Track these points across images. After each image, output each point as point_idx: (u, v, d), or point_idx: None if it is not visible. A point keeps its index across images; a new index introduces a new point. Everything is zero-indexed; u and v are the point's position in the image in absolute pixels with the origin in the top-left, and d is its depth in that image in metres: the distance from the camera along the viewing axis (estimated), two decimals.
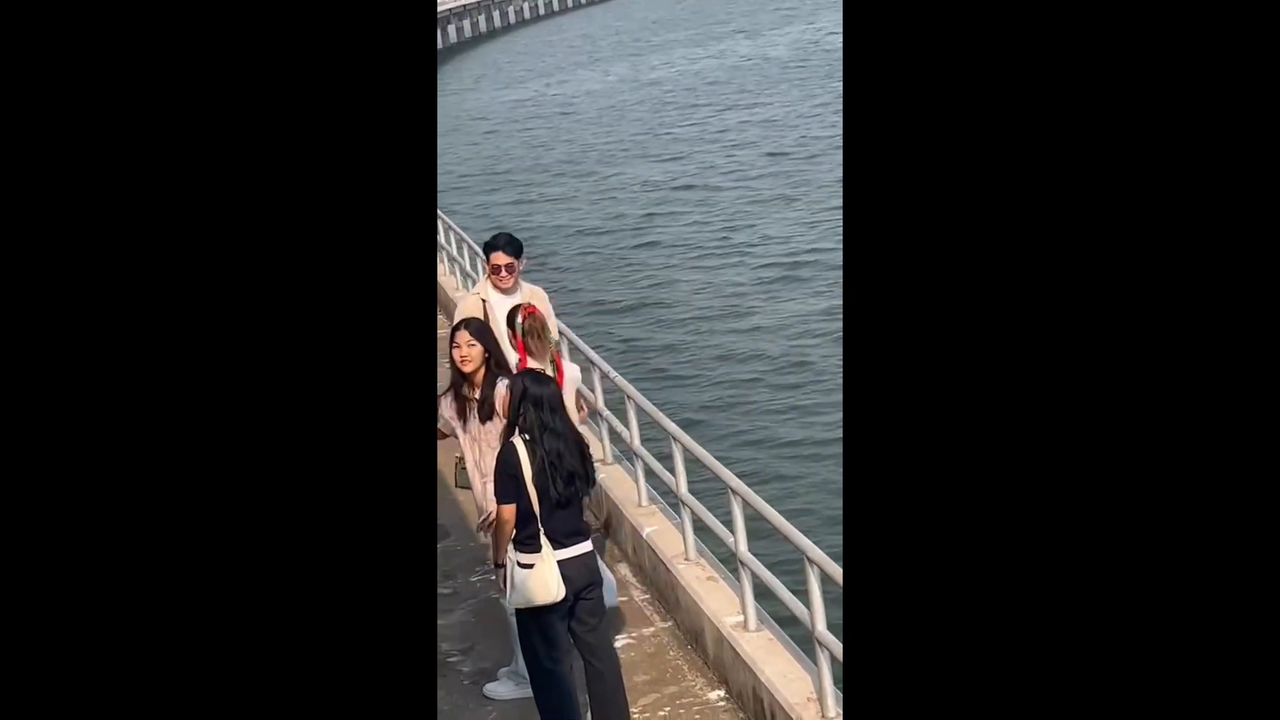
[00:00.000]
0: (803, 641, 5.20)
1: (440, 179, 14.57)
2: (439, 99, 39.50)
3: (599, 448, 7.37)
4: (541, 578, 4.86)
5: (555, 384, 5.17)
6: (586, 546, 5.01)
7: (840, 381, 11.69)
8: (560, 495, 4.85)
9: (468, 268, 11.56)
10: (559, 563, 4.87)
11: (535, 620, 4.97)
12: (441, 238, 12.84)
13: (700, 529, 6.17)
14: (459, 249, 12.02)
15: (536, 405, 4.89)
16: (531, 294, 6.38)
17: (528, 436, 4.87)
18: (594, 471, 5.11)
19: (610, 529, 7.10)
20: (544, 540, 4.86)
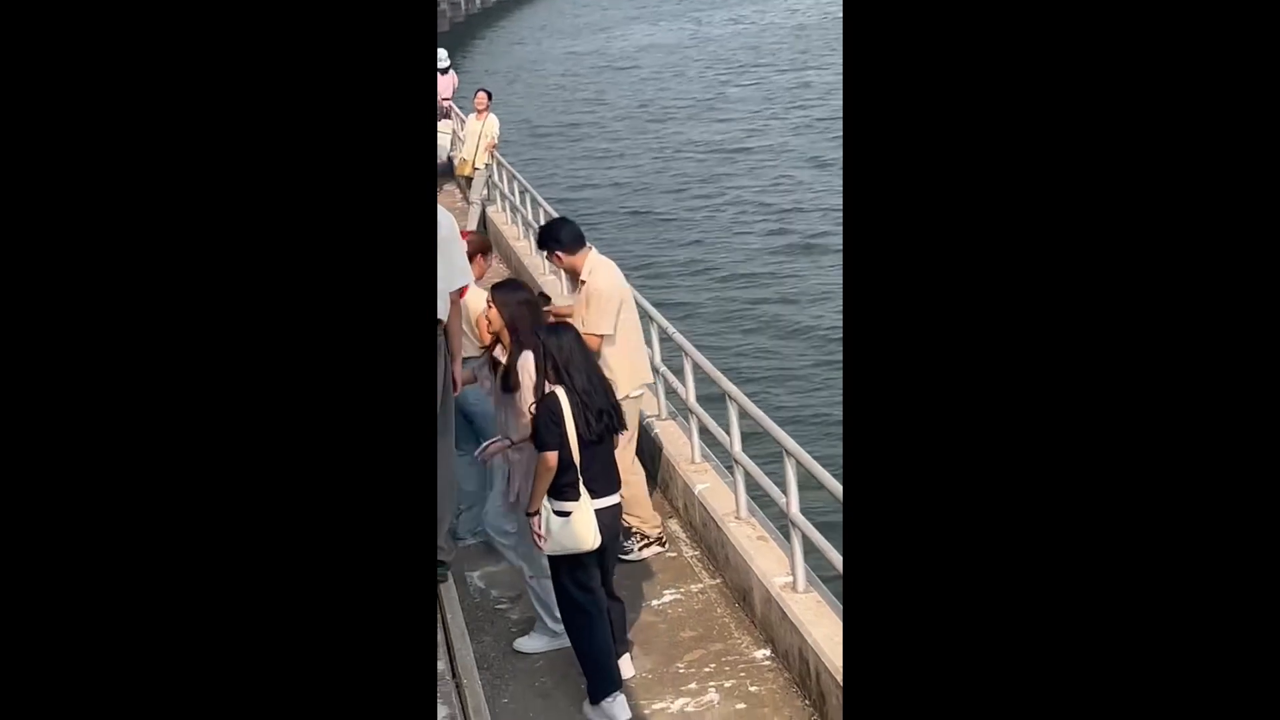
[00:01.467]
0: None
1: (505, 129, 14.53)
2: (501, 49, 39.37)
3: (655, 404, 7.39)
4: (579, 526, 4.97)
5: (573, 329, 5.28)
6: (618, 499, 5.13)
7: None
8: (594, 432, 4.96)
9: (529, 217, 11.62)
10: (595, 511, 4.96)
11: (569, 568, 5.06)
12: (505, 187, 12.89)
13: (752, 488, 6.19)
14: (521, 199, 12.07)
15: (559, 352, 5.01)
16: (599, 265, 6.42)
17: (561, 387, 4.98)
18: (622, 413, 5.25)
19: (662, 484, 7.13)
20: (582, 489, 4.95)
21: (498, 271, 12.19)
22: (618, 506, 5.15)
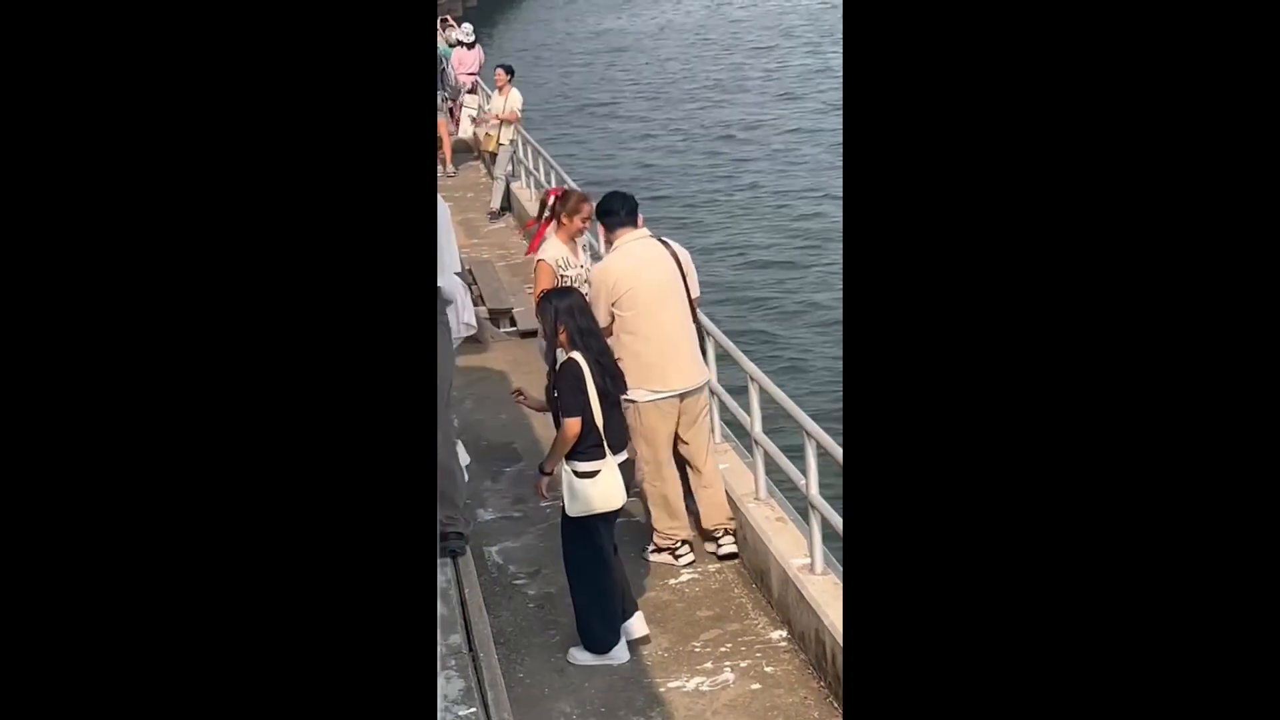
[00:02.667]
0: None
1: (527, 106, 14.51)
2: (526, 26, 39.20)
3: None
4: (607, 485, 5.10)
5: (578, 293, 5.42)
6: (627, 454, 5.29)
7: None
8: (615, 392, 5.12)
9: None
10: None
11: (586, 528, 5.20)
12: (530, 163, 12.90)
13: (772, 469, 6.19)
14: (546, 175, 12.05)
15: (570, 315, 5.12)
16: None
17: (577, 351, 5.08)
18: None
19: None
20: (606, 449, 5.08)
21: (522, 246, 12.20)
22: (631, 461, 5.34)
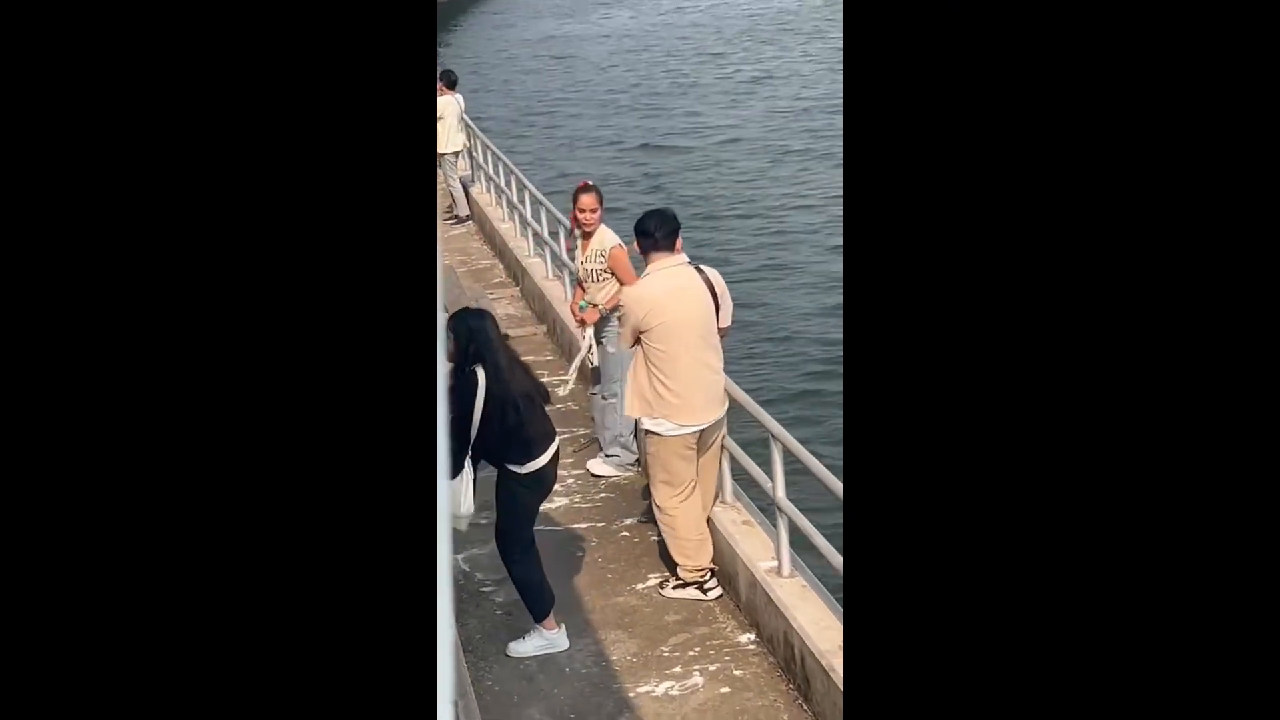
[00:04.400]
0: (836, 590, 5.22)
1: (478, 114, 14.45)
2: (487, 31, 39.08)
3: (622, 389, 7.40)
4: (461, 491, 5.26)
5: (490, 314, 5.55)
6: (555, 448, 5.43)
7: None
8: (518, 416, 5.24)
9: (514, 199, 11.49)
10: (539, 467, 5.31)
11: (519, 517, 5.47)
12: (489, 168, 12.81)
13: (738, 473, 6.19)
14: (506, 180, 11.98)
15: (476, 336, 5.22)
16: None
17: (480, 368, 5.21)
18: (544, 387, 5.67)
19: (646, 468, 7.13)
20: (467, 462, 5.24)
21: (483, 251, 12.16)
22: (554, 460, 5.44)
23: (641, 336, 5.66)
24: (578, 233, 7.17)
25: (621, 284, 6.78)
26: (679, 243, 5.77)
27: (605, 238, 7.03)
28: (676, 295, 5.63)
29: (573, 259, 7.41)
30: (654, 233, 5.69)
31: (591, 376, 7.32)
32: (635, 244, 5.85)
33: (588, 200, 7.01)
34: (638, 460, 7.05)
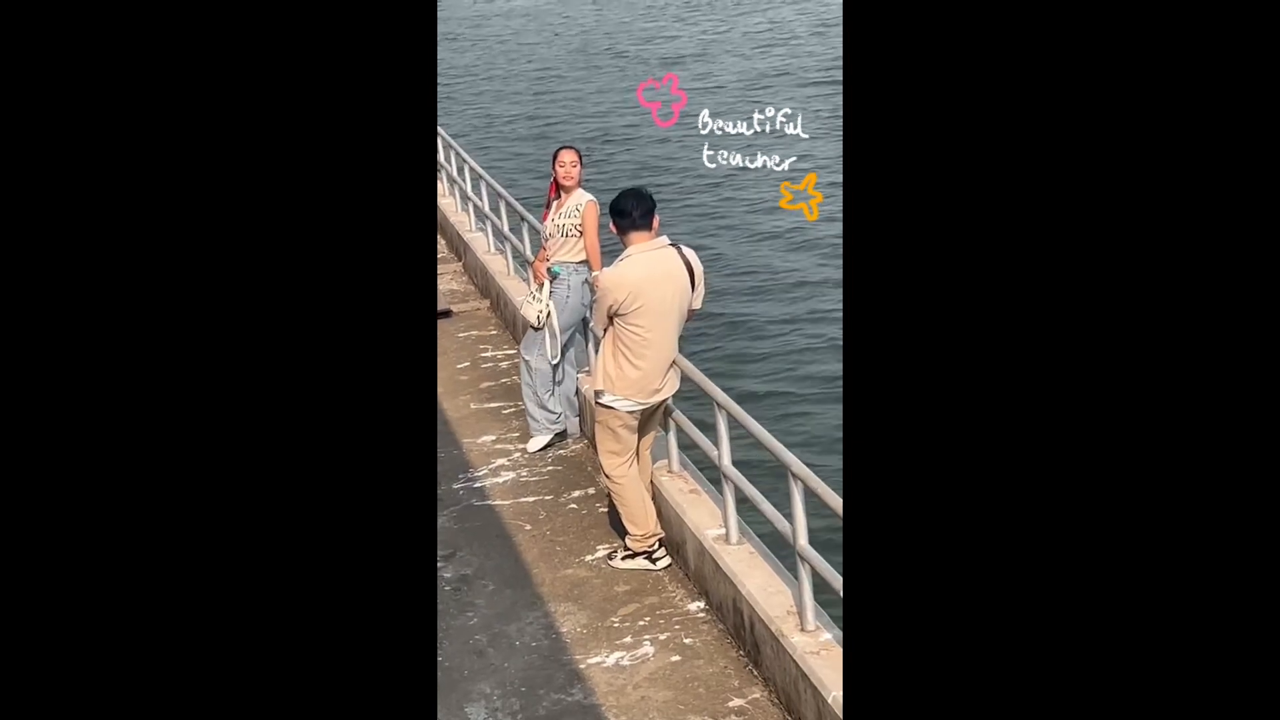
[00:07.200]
0: (784, 555, 5.23)
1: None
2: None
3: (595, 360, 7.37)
4: None
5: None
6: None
7: (839, 298, 11.65)
8: None
9: (468, 190, 11.09)
10: None
11: None
12: (440, 155, 12.34)
13: (684, 443, 6.18)
14: (459, 170, 11.52)
15: None
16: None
17: None
18: None
19: (592, 439, 7.11)
20: None
21: (439, 247, 11.96)
22: None
23: (616, 319, 5.63)
24: (560, 193, 7.17)
25: (585, 242, 6.99)
26: (656, 221, 5.73)
27: (582, 195, 7.05)
28: (657, 280, 5.61)
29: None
30: (631, 212, 5.66)
31: (525, 342, 7.26)
32: (611, 225, 5.77)
33: (568, 155, 7.09)
34: (567, 431, 7.17)
